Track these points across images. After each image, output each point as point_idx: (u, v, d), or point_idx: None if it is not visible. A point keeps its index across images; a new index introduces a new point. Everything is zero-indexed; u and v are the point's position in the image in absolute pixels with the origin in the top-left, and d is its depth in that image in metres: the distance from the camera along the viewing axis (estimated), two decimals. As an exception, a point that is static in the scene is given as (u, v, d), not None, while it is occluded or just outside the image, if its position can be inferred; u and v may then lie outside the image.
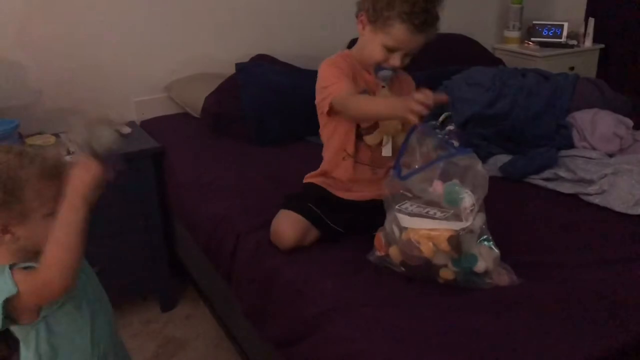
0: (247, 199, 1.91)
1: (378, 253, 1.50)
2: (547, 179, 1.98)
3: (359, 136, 1.67)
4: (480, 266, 1.38)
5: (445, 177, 1.40)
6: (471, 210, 1.37)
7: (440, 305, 1.36)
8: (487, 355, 1.21)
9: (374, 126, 1.62)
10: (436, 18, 1.54)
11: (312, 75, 1.73)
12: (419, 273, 1.44)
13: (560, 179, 1.96)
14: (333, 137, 1.71)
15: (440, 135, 1.52)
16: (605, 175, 1.87)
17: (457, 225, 1.36)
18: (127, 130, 2.37)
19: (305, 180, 1.79)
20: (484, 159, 2.07)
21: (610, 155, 2.07)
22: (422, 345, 1.24)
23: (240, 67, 2.48)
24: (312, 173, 1.79)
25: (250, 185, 2.00)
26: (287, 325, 1.50)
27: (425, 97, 1.37)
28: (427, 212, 1.40)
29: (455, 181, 1.40)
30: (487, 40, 3.37)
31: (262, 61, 2.60)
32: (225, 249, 1.79)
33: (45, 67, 2.36)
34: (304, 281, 1.50)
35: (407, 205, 1.42)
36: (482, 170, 1.42)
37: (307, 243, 1.62)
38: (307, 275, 1.52)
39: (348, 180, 1.71)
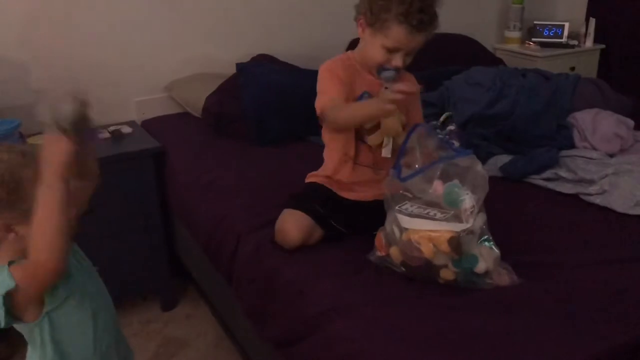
0: (247, 198, 1.91)
1: (378, 253, 1.51)
2: (547, 179, 1.98)
3: (359, 138, 1.67)
4: (481, 266, 1.38)
5: (445, 177, 1.41)
6: (471, 212, 1.37)
7: (440, 305, 1.36)
8: (487, 355, 1.21)
9: (376, 127, 1.63)
10: (433, 16, 1.54)
11: (312, 74, 1.73)
12: (419, 273, 1.44)
13: (561, 179, 1.96)
14: (333, 141, 1.72)
15: (440, 135, 1.52)
16: (606, 175, 1.87)
17: (457, 227, 1.36)
18: (127, 129, 2.37)
19: (307, 180, 1.79)
20: (484, 159, 2.07)
21: (611, 156, 2.07)
22: (422, 345, 1.24)
23: (240, 67, 2.48)
24: (314, 173, 1.80)
25: (250, 185, 2.00)
26: (287, 325, 1.50)
27: (395, 91, 1.44)
28: (427, 213, 1.40)
29: (456, 182, 1.40)
30: (487, 40, 3.37)
31: (262, 61, 2.60)
32: (225, 248, 1.79)
33: (46, 67, 2.36)
34: (304, 281, 1.50)
35: (408, 206, 1.42)
36: (482, 170, 1.43)
37: (312, 242, 1.62)
38: (307, 275, 1.52)
39: (350, 182, 1.72)
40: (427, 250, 1.38)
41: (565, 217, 1.78)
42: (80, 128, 1.04)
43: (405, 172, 1.46)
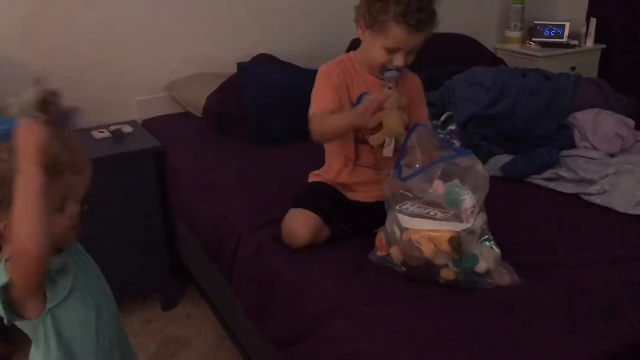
0: (248, 198, 1.91)
1: (379, 253, 1.51)
2: (548, 179, 1.98)
3: (361, 139, 1.68)
4: (482, 266, 1.38)
5: (446, 177, 1.41)
6: (472, 212, 1.37)
7: (441, 305, 1.36)
8: (487, 355, 1.21)
9: (378, 127, 1.63)
10: (432, 15, 1.54)
11: (313, 74, 1.73)
12: (420, 273, 1.44)
13: (562, 179, 1.96)
14: (333, 144, 1.73)
15: (441, 135, 1.53)
16: (607, 175, 1.87)
17: (458, 227, 1.36)
18: (128, 129, 2.38)
19: (311, 180, 1.79)
20: (485, 159, 2.07)
21: (612, 156, 2.07)
22: (422, 346, 1.24)
23: (241, 66, 2.48)
24: (317, 172, 1.80)
25: (251, 185, 2.00)
26: (287, 325, 1.50)
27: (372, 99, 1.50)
28: (428, 213, 1.40)
29: (456, 182, 1.40)
30: (488, 40, 3.37)
31: (263, 61, 2.60)
32: (226, 248, 1.79)
33: (48, 67, 2.36)
34: (305, 281, 1.50)
35: (408, 206, 1.42)
36: (482, 171, 1.43)
37: (320, 242, 1.62)
38: (307, 275, 1.52)
39: (352, 183, 1.72)
40: (427, 250, 1.38)
41: (566, 217, 1.77)
42: (47, 111, 1.03)
43: (406, 172, 1.46)
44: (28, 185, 0.99)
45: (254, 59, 2.61)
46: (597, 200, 1.84)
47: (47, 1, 2.31)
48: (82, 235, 1.19)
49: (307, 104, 1.73)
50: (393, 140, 1.62)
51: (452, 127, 2.21)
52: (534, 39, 3.37)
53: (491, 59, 3.09)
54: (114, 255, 2.15)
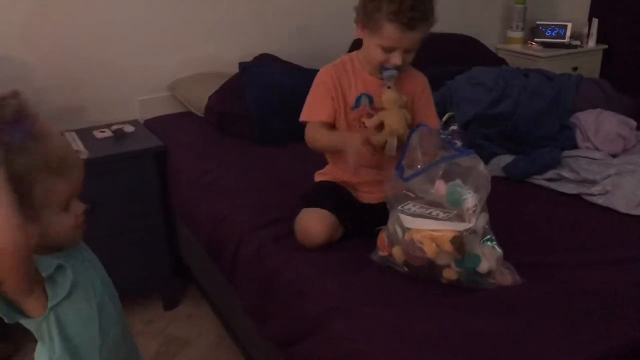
0: (249, 198, 1.91)
1: (381, 253, 1.50)
2: (550, 179, 1.98)
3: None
4: (484, 266, 1.38)
5: (447, 177, 1.41)
6: (474, 211, 1.37)
7: (442, 305, 1.36)
8: (487, 355, 1.21)
9: (380, 127, 1.63)
10: (426, 13, 1.53)
11: (314, 74, 1.74)
12: (422, 273, 1.44)
13: (564, 179, 1.95)
14: None
15: (443, 136, 1.53)
16: (609, 175, 1.87)
17: (460, 226, 1.36)
18: (129, 128, 2.38)
19: (317, 179, 1.79)
20: (486, 159, 2.07)
21: (614, 156, 2.07)
22: (422, 346, 1.23)
23: (243, 66, 2.48)
24: (323, 171, 1.80)
25: (252, 185, 2.00)
26: (288, 324, 1.50)
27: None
28: (429, 213, 1.40)
29: (458, 181, 1.40)
30: (490, 40, 3.37)
31: (265, 60, 2.60)
32: (227, 248, 1.79)
33: (50, 66, 2.37)
34: (306, 281, 1.50)
35: (410, 206, 1.42)
36: (484, 170, 1.43)
37: (334, 240, 1.62)
38: (308, 275, 1.52)
39: (355, 183, 1.73)
40: (429, 250, 1.38)
41: (567, 218, 1.77)
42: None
43: (407, 172, 1.46)
44: None
45: (255, 58, 2.61)
46: (599, 200, 1.84)
47: (47, 0, 2.31)
48: (85, 230, 1.19)
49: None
50: (395, 140, 1.62)
51: (454, 127, 2.21)
52: (535, 39, 3.37)
53: (493, 59, 3.09)
54: (114, 254, 2.14)
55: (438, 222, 1.38)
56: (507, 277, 1.43)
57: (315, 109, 1.70)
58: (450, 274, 1.41)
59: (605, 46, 3.38)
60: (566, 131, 2.22)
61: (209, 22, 2.64)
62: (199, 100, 2.50)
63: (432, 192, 1.40)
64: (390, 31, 1.52)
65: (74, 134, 2.29)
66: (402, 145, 1.56)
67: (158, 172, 2.28)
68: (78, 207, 1.13)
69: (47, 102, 2.38)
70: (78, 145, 2.17)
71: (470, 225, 1.36)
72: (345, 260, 1.56)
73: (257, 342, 1.82)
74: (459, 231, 1.36)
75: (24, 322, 1.11)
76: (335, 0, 2.70)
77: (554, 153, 2.05)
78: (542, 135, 2.21)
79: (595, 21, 3.33)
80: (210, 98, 2.44)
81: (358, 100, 1.66)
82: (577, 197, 1.89)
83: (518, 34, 3.40)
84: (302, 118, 1.71)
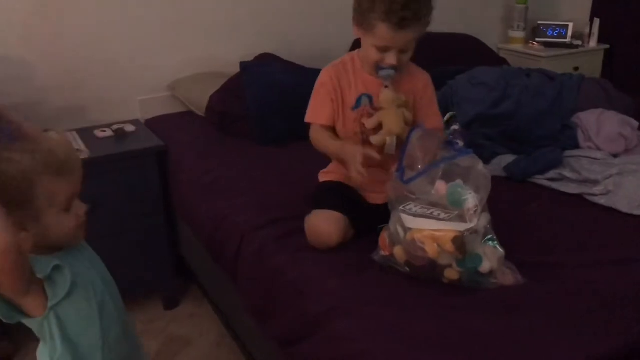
0: (250, 198, 1.91)
1: (382, 253, 1.50)
2: (552, 179, 1.98)
3: (365, 141, 1.67)
4: (485, 266, 1.38)
5: (447, 178, 1.40)
6: (475, 212, 1.37)
7: (443, 305, 1.36)
8: (487, 355, 1.21)
9: (379, 127, 1.62)
10: (419, 12, 1.51)
11: (315, 74, 1.74)
12: (423, 273, 1.44)
13: (565, 179, 1.95)
14: None
15: (448, 133, 1.52)
16: (611, 175, 1.87)
17: (461, 227, 1.36)
18: (130, 128, 2.38)
19: (323, 179, 1.79)
20: (488, 159, 2.07)
21: (615, 156, 2.07)
22: (422, 345, 1.23)
23: (244, 65, 2.48)
24: (328, 170, 1.80)
25: (254, 185, 2.00)
26: (289, 324, 1.50)
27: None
28: (431, 213, 1.40)
29: (459, 182, 1.40)
30: (491, 40, 3.36)
31: (266, 60, 2.60)
32: (228, 248, 1.79)
33: (51, 66, 2.37)
34: (307, 280, 1.50)
35: (412, 206, 1.42)
36: (483, 170, 1.43)
37: (347, 242, 1.62)
38: (309, 274, 1.52)
39: (361, 183, 1.71)
40: (431, 249, 1.38)
41: (569, 217, 1.77)
42: None
43: (407, 174, 1.46)
44: None
45: (256, 58, 2.61)
46: (601, 200, 1.84)
47: (48, 0, 2.31)
48: (87, 230, 1.19)
49: (308, 104, 1.74)
50: (394, 139, 1.61)
51: (455, 127, 2.20)
52: (537, 39, 3.37)
53: (494, 59, 3.09)
54: (116, 254, 2.13)
55: (439, 222, 1.38)
56: (508, 277, 1.43)
57: (316, 112, 1.71)
58: (451, 274, 1.41)
59: (607, 46, 3.38)
60: (568, 131, 2.22)
61: (210, 22, 2.64)
62: (199, 99, 2.50)
63: (432, 193, 1.40)
64: (382, 31, 1.52)
65: (75, 133, 2.29)
66: (402, 144, 1.56)
67: (159, 171, 2.28)
68: (80, 208, 1.13)
69: (47, 102, 2.39)
70: (79, 144, 2.17)
71: (472, 225, 1.36)
72: (346, 260, 1.56)
73: (258, 341, 1.82)
74: (461, 231, 1.36)
75: (26, 321, 1.11)
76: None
77: (555, 153, 2.05)
78: (544, 135, 2.20)
79: (596, 21, 3.32)
80: (211, 98, 2.44)
81: (358, 100, 1.66)
82: (579, 197, 1.89)
83: (519, 34, 3.39)
84: (306, 119, 1.73)
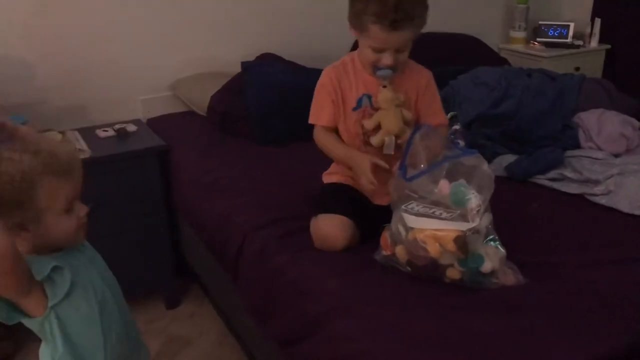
0: (252, 198, 1.91)
1: (384, 252, 1.50)
2: (553, 179, 1.98)
3: (367, 143, 1.67)
4: (487, 266, 1.38)
5: (451, 177, 1.40)
6: (477, 211, 1.37)
7: (443, 305, 1.36)
8: (487, 355, 1.21)
9: (378, 128, 1.63)
10: (411, 13, 1.50)
11: (317, 74, 1.74)
12: (425, 273, 1.44)
13: (566, 179, 1.95)
14: None
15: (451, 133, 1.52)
16: (612, 175, 1.87)
17: (463, 226, 1.36)
18: (132, 128, 2.38)
19: (327, 180, 1.78)
20: (489, 159, 2.07)
21: (616, 156, 2.07)
22: (422, 345, 1.24)
23: (245, 65, 2.48)
24: (332, 171, 1.79)
25: (255, 185, 2.00)
26: (290, 324, 1.50)
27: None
28: (433, 213, 1.40)
29: (462, 181, 1.40)
30: (492, 40, 3.36)
31: (267, 60, 2.60)
32: (230, 247, 1.79)
33: (52, 65, 2.37)
34: (307, 280, 1.50)
35: (414, 206, 1.42)
36: (487, 170, 1.43)
37: (353, 245, 1.61)
38: (310, 274, 1.52)
39: (372, 192, 1.70)
40: (433, 249, 1.38)
41: (570, 217, 1.77)
42: None
43: (410, 173, 1.46)
44: None
45: (258, 58, 2.61)
46: (602, 200, 1.84)
47: (48, 0, 2.31)
48: (87, 232, 1.19)
49: (309, 104, 1.74)
50: (393, 138, 1.61)
51: (457, 127, 2.20)
52: (538, 39, 3.36)
53: (495, 59, 3.09)
54: (117, 253, 2.13)
55: (441, 221, 1.38)
56: (510, 277, 1.42)
57: (317, 113, 1.72)
58: (453, 273, 1.41)
59: (608, 46, 3.38)
60: (569, 131, 2.22)
61: (211, 22, 2.64)
62: (201, 99, 2.50)
63: (435, 192, 1.40)
64: (375, 32, 1.52)
65: (76, 133, 2.30)
66: (402, 144, 1.56)
67: (160, 171, 2.28)
68: (81, 209, 1.13)
69: (49, 102, 2.39)
70: (81, 144, 2.17)
71: (474, 224, 1.36)
72: (347, 260, 1.56)
73: (259, 341, 1.82)
74: (463, 231, 1.36)
75: (26, 322, 1.12)
76: (337, -1, 2.71)
77: (556, 153, 2.05)
78: (545, 135, 2.21)
79: (597, 21, 3.32)
80: (212, 97, 2.44)
81: (359, 101, 1.66)
82: (580, 197, 1.89)
83: (520, 34, 3.39)
84: (309, 120, 1.73)
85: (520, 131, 2.25)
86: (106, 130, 2.33)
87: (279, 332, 1.56)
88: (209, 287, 2.37)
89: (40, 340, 1.17)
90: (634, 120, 2.20)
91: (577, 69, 3.20)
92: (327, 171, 1.81)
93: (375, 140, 1.63)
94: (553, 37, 3.35)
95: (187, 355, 2.17)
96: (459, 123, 2.24)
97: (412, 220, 1.41)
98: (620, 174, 1.87)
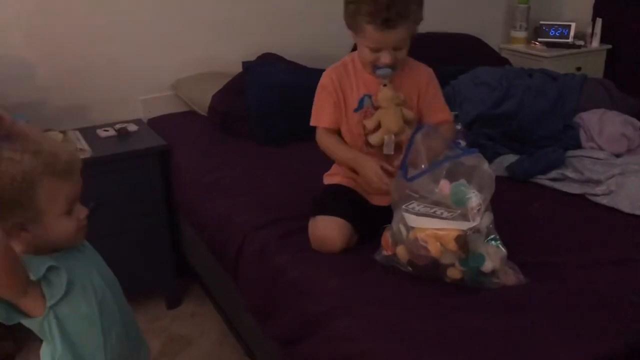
0: (252, 197, 1.91)
1: (385, 252, 1.50)
2: (554, 179, 1.98)
3: (368, 143, 1.67)
4: (488, 266, 1.38)
5: (451, 177, 1.40)
6: (478, 210, 1.37)
7: (443, 305, 1.36)
8: (487, 356, 1.21)
9: (377, 127, 1.62)
10: (404, 11, 1.50)
11: (318, 74, 1.74)
12: (426, 272, 1.43)
13: (568, 179, 1.95)
14: None
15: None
16: (613, 175, 1.87)
17: (464, 225, 1.36)
18: (133, 127, 2.38)
19: (328, 181, 1.78)
20: (490, 159, 2.06)
21: (618, 156, 2.06)
22: (422, 345, 1.24)
23: (246, 65, 2.48)
24: (332, 172, 1.79)
25: (256, 184, 2.00)
26: (290, 324, 1.51)
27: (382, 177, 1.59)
28: (434, 212, 1.40)
29: (462, 181, 1.40)
30: (493, 40, 3.36)
31: (268, 60, 2.60)
32: (230, 247, 1.79)
33: (53, 65, 2.37)
34: (308, 280, 1.50)
35: (414, 205, 1.42)
36: (488, 170, 1.43)
37: (351, 247, 1.61)
38: (311, 274, 1.52)
39: (366, 184, 1.71)
40: (434, 248, 1.38)
41: (571, 217, 1.77)
42: None
43: (411, 172, 1.46)
44: None
45: (259, 57, 2.61)
46: (603, 200, 1.84)
47: (50, 0, 2.31)
48: (87, 233, 1.19)
49: (310, 104, 1.74)
50: (392, 137, 1.61)
51: (458, 127, 2.20)
52: (539, 39, 3.36)
53: (496, 59, 3.09)
54: (118, 253, 2.13)
55: (442, 221, 1.38)
56: (511, 277, 1.42)
57: (318, 115, 1.71)
58: (454, 273, 1.41)
59: (609, 46, 3.37)
60: (570, 131, 2.22)
61: (212, 22, 2.64)
62: (202, 99, 2.50)
63: (436, 192, 1.40)
64: (370, 32, 1.52)
65: (77, 132, 2.30)
66: (403, 142, 1.56)
67: (161, 170, 2.28)
68: (81, 211, 1.13)
69: (50, 102, 2.39)
70: (82, 144, 2.17)
71: (475, 223, 1.36)
72: (348, 260, 1.56)
73: (260, 340, 1.82)
74: (463, 230, 1.36)
75: (26, 322, 1.12)
76: (337, -1, 2.71)
77: (557, 153, 2.05)
78: (546, 135, 2.20)
79: (599, 21, 3.32)
80: (213, 97, 2.44)
81: (361, 101, 1.66)
82: (581, 197, 1.89)
83: (521, 34, 3.39)
84: (311, 123, 1.73)
85: (521, 131, 2.25)
86: (107, 130, 2.33)
87: (279, 332, 1.56)
88: (209, 287, 2.37)
89: (41, 340, 1.18)
90: (635, 121, 2.20)
91: (579, 69, 3.20)
92: (328, 172, 1.80)
93: (374, 138, 1.62)
94: (554, 37, 3.34)
95: (188, 355, 2.17)
96: (459, 123, 2.24)
97: (413, 220, 1.41)
98: (622, 174, 1.87)
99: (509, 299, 1.37)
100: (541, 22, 3.37)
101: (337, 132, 1.73)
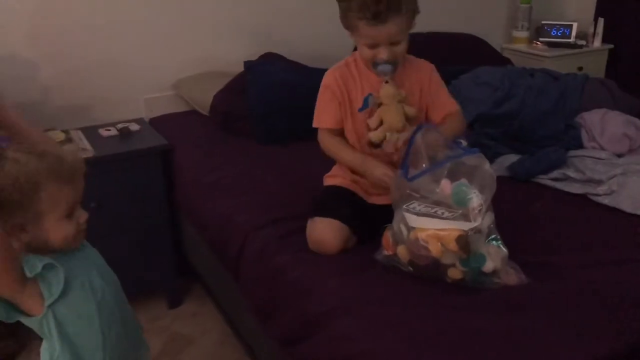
0: (254, 197, 1.91)
1: (385, 252, 1.50)
2: (555, 179, 1.98)
3: (371, 142, 1.67)
4: (489, 266, 1.38)
5: (453, 176, 1.40)
6: (479, 211, 1.37)
7: (444, 305, 1.36)
8: (488, 355, 1.21)
9: (379, 124, 1.62)
10: (394, 4, 1.48)
11: (319, 73, 1.74)
12: (426, 272, 1.43)
13: (569, 179, 1.95)
14: None
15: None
16: (615, 175, 1.86)
17: (465, 225, 1.36)
18: (135, 127, 2.38)
19: (327, 183, 1.78)
20: (491, 158, 2.06)
21: (619, 156, 2.06)
22: (423, 345, 1.24)
23: (248, 65, 2.48)
24: (333, 174, 1.78)
25: (257, 184, 2.00)
26: (290, 324, 1.51)
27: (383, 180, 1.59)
28: (435, 212, 1.39)
29: (464, 181, 1.39)
30: (495, 40, 3.36)
31: (270, 59, 2.60)
32: (232, 247, 1.79)
33: (55, 65, 2.37)
34: (309, 280, 1.50)
35: (415, 205, 1.42)
36: (489, 170, 1.42)
37: (349, 248, 1.61)
38: (312, 274, 1.52)
39: (367, 186, 1.71)
40: (435, 249, 1.37)
41: (573, 217, 1.77)
42: None
43: (412, 172, 1.46)
44: None
45: (261, 57, 2.61)
46: (605, 200, 1.83)
47: (52, 0, 2.32)
48: (88, 233, 1.20)
49: (312, 103, 1.74)
50: (394, 135, 1.61)
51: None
52: (541, 39, 3.36)
53: (498, 59, 3.09)
54: (119, 252, 2.15)
55: (443, 221, 1.38)
56: (512, 277, 1.42)
57: (321, 116, 1.70)
58: (455, 273, 1.41)
59: (611, 46, 3.37)
60: (572, 131, 2.21)
61: (213, 21, 2.65)
62: (203, 99, 2.50)
63: (437, 192, 1.40)
64: (363, 28, 1.52)
65: (80, 132, 2.30)
66: (405, 140, 1.55)
67: (163, 170, 2.28)
68: (81, 216, 1.13)
69: (52, 101, 2.40)
70: (84, 143, 2.18)
71: (476, 224, 1.35)
72: (349, 260, 1.56)
73: (261, 340, 1.82)
74: (464, 230, 1.35)
75: (25, 321, 1.12)
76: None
77: (559, 153, 2.05)
78: (548, 135, 2.20)
79: (600, 21, 3.32)
80: (215, 97, 2.44)
81: (366, 100, 1.65)
82: (583, 197, 1.89)
83: (523, 34, 3.39)
84: (313, 124, 1.72)
85: (522, 131, 2.25)
86: (109, 130, 2.34)
87: (279, 332, 1.56)
88: (211, 286, 2.37)
89: (42, 339, 1.18)
90: (637, 120, 2.19)
91: (580, 68, 3.20)
92: (329, 174, 1.80)
93: (374, 136, 1.61)
94: (556, 36, 3.34)
95: (189, 355, 2.18)
96: (461, 123, 2.24)
97: (413, 220, 1.41)
98: (623, 174, 1.86)
99: (509, 299, 1.37)
100: (543, 22, 3.37)
101: (341, 133, 1.72)
